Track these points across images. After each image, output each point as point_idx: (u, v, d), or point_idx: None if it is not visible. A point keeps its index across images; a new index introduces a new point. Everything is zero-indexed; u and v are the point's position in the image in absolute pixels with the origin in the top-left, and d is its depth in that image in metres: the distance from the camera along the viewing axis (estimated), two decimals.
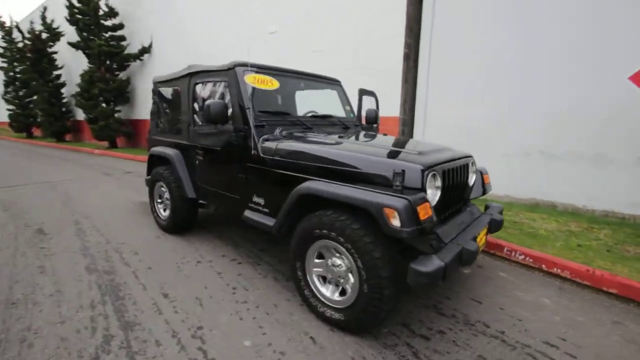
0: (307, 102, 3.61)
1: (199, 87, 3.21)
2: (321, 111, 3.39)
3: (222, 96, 2.94)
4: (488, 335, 2.07)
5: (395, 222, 1.73)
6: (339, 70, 5.51)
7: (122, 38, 12.37)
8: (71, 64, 15.89)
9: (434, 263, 1.74)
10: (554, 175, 4.85)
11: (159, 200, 3.91)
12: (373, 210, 1.79)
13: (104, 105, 12.47)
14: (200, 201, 3.48)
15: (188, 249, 3.33)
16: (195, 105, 3.26)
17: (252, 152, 2.61)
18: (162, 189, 3.75)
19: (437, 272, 1.71)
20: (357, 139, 2.71)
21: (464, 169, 2.48)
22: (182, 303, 2.34)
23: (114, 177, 7.34)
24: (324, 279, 2.21)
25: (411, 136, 6.47)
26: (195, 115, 3.27)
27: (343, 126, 3.39)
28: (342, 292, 2.11)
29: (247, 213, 2.75)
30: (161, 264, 2.97)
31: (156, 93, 3.92)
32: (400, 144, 2.57)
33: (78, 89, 12.71)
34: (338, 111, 3.65)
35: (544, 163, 4.93)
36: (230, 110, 2.77)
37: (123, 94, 12.68)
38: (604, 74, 4.35)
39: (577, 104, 4.56)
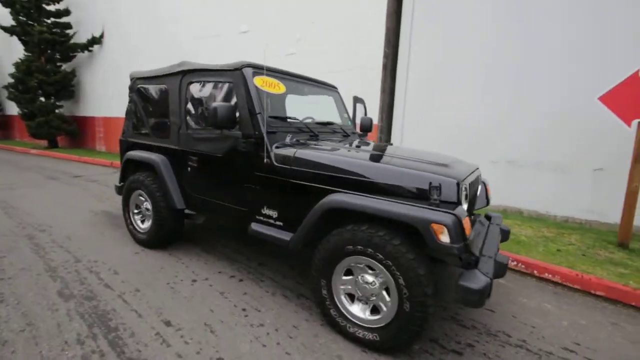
0: (299, 107, 3.48)
1: (194, 87, 2.92)
2: (317, 118, 3.28)
3: (225, 99, 2.71)
4: (513, 345, 2.11)
5: (444, 238, 1.68)
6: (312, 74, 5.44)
7: (68, 25, 11.11)
8: (1, 51, 13.89)
9: (481, 279, 1.72)
10: (521, 184, 5.24)
11: (136, 211, 3.49)
12: (420, 226, 1.73)
13: (43, 99, 11.07)
14: (188, 212, 3.17)
15: (177, 265, 2.99)
16: (190, 107, 2.96)
17: (265, 160, 2.41)
18: (141, 198, 3.36)
19: (486, 289, 1.69)
20: (374, 148, 2.65)
21: (478, 180, 2.53)
22: (191, 331, 2.06)
23: (62, 182, 6.48)
24: (350, 297, 2.10)
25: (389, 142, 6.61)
26: (188, 118, 2.96)
27: (344, 134, 3.31)
28: (373, 311, 2.01)
29: (255, 226, 2.54)
30: (150, 285, 2.62)
31: (134, 90, 3.50)
32: (418, 154, 2.55)
33: (11, 80, 11.12)
34: (334, 118, 3.56)
35: (512, 172, 5.30)
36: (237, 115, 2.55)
37: (67, 87, 11.38)
38: (552, 94, 4.81)
39: (543, 120, 4.98)
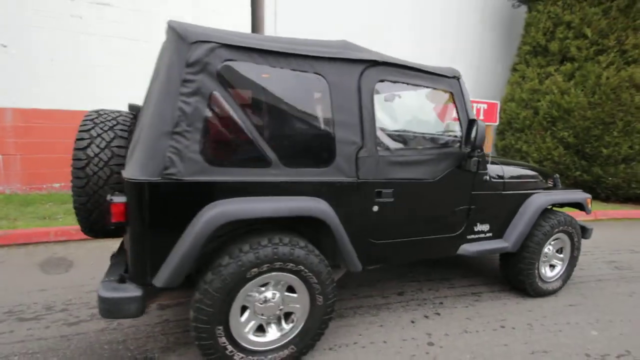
0: None
1: (386, 89, 1.94)
2: None
3: (426, 107, 2.15)
4: None
5: None
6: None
7: None
8: None
9: None
10: None
11: (242, 319, 1.71)
12: None
13: None
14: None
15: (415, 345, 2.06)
16: (383, 116, 1.94)
17: (487, 177, 2.38)
18: (262, 288, 1.73)
19: None
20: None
21: None
22: None
23: None
24: None
25: None
26: (380, 134, 1.94)
27: None
28: None
29: (468, 247, 2.45)
30: None
31: (213, 72, 1.51)
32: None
33: None
34: None
35: None
36: None
37: None
38: None
39: None
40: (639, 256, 3.95)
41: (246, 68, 1.65)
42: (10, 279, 2.74)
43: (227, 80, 1.60)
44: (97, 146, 1.74)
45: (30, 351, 1.92)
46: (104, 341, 2.03)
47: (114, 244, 3.52)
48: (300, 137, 1.83)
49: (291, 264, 1.71)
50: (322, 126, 1.85)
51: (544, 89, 6.63)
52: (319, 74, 1.78)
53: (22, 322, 2.17)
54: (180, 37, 1.52)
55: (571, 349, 2.17)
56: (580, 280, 3.20)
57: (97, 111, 1.90)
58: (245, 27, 5.54)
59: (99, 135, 1.76)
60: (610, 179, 6.06)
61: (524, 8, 7.61)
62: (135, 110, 2.09)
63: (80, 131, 1.77)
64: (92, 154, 1.72)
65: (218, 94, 1.58)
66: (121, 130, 1.83)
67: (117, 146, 1.77)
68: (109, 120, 1.84)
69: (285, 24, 5.91)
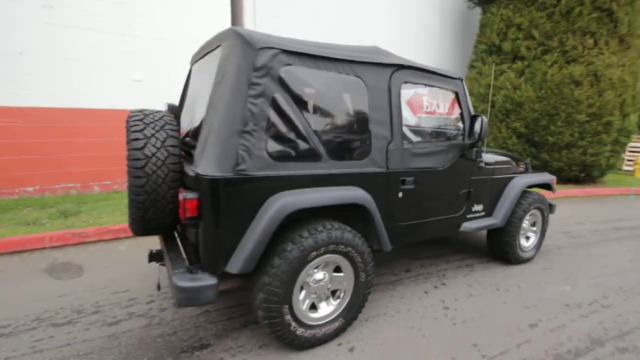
0: None
1: (407, 89, 2.21)
2: None
3: (442, 106, 2.47)
4: None
5: None
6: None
7: None
8: None
9: None
10: None
11: (301, 297, 1.91)
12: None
13: None
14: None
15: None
16: (407, 114, 2.20)
17: (482, 164, 2.78)
18: (315, 270, 1.94)
19: None
20: None
21: None
22: None
23: None
24: None
25: None
26: (405, 129, 2.20)
27: None
28: None
29: (468, 224, 2.84)
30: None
31: (275, 75, 1.65)
32: None
33: None
34: None
35: None
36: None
37: None
38: None
39: None
40: (587, 226, 4.73)
41: (300, 72, 1.81)
42: (19, 287, 2.61)
43: (286, 83, 1.76)
44: (153, 146, 1.79)
45: (82, 353, 1.93)
46: (154, 335, 2.09)
47: (118, 245, 3.47)
48: (343, 133, 2.04)
49: (342, 246, 1.93)
50: (361, 123, 2.07)
51: (499, 85, 7.40)
52: (359, 77, 2.00)
53: (58, 327, 2.14)
54: (247, 43, 1.65)
55: (554, 301, 2.66)
56: (546, 249, 3.80)
57: (141, 111, 1.94)
58: (224, 24, 5.49)
59: (152, 135, 1.81)
60: (555, 163, 7.01)
61: (479, 9, 8.36)
62: (173, 109, 2.13)
63: (133, 131, 1.80)
64: (149, 154, 1.78)
65: (279, 96, 1.74)
66: (171, 130, 1.89)
67: (171, 145, 1.84)
68: (157, 120, 1.89)
69: (265, 22, 5.94)
